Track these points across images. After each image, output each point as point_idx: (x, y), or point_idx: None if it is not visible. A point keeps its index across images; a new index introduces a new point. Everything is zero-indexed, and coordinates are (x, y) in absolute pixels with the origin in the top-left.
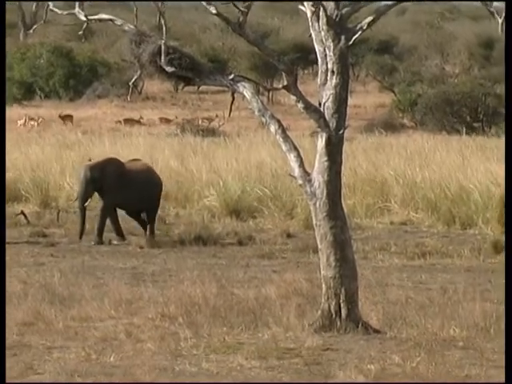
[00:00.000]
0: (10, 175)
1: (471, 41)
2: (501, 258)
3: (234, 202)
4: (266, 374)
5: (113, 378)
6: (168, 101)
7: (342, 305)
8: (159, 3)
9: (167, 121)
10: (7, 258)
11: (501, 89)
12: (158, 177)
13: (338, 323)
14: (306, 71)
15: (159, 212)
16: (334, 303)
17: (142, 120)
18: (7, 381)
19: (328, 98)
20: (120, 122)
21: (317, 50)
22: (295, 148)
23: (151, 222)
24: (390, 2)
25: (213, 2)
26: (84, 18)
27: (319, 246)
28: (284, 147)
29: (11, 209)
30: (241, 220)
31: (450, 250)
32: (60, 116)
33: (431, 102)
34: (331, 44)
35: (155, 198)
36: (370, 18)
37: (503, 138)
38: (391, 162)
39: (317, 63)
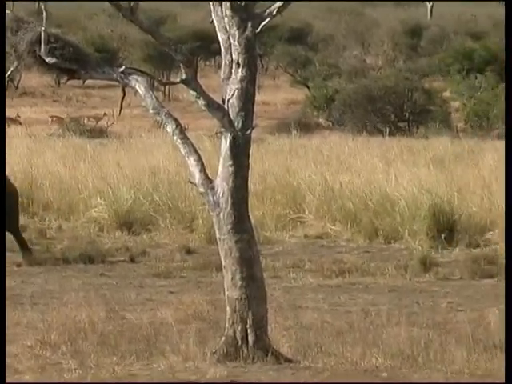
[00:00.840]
0: None
1: (396, 29)
2: (430, 277)
3: (125, 212)
4: None
5: None
6: (49, 96)
7: (249, 330)
8: None
9: (59, 119)
10: None
11: (429, 83)
12: (11, 185)
13: (245, 351)
14: (207, 63)
15: (38, 224)
16: (239, 328)
17: (19, 118)
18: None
19: (233, 94)
20: None
21: (220, 38)
22: (195, 151)
23: (17, 236)
24: None
25: None
26: None
27: (223, 263)
28: (182, 150)
29: None
30: (133, 234)
31: (372, 267)
32: None
33: (350, 99)
34: (236, 32)
35: (10, 210)
36: (279, 3)
37: (432, 140)
38: (305, 167)
39: (220, 54)
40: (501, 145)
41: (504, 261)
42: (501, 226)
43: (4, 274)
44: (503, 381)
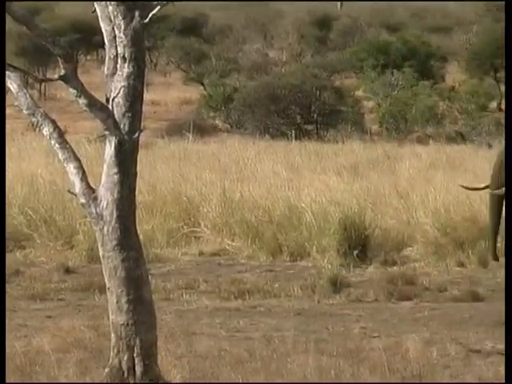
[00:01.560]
0: None
1: (302, 19)
2: (340, 299)
3: None
4: None
5: None
6: None
7: (136, 360)
8: None
9: None
10: None
11: (340, 80)
12: None
13: (132, 383)
14: (88, 57)
15: None
16: (126, 357)
17: None
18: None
19: (118, 93)
20: None
21: (103, 30)
22: (75, 157)
23: None
24: None
25: None
26: None
27: (107, 284)
28: (61, 156)
29: None
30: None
31: (276, 287)
32: None
33: (251, 98)
34: (122, 22)
35: None
36: None
37: (343, 144)
38: (201, 176)
39: (103, 47)
40: (421, 150)
41: (425, 283)
42: (420, 241)
43: (4, 274)
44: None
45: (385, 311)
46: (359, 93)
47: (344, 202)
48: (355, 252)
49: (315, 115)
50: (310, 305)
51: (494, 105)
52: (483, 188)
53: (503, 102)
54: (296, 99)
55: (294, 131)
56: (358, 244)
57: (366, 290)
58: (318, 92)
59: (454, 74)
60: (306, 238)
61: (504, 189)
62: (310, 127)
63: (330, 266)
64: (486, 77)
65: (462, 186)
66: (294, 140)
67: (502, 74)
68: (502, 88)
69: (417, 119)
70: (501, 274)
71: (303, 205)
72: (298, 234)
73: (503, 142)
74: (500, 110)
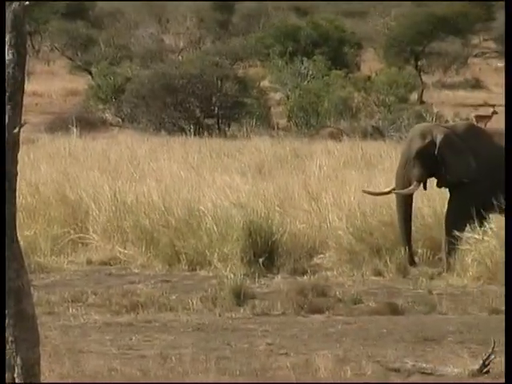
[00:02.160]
0: None
1: (201, 1)
2: (245, 312)
3: None
4: None
5: None
6: None
7: (17, 380)
8: None
9: None
10: None
11: (244, 69)
12: None
13: None
14: None
15: None
16: (6, 378)
17: None
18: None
19: None
20: None
21: None
22: None
23: None
24: None
25: None
26: None
27: None
28: None
29: None
30: None
31: (173, 300)
32: None
33: (144, 89)
34: None
35: None
36: None
37: (248, 140)
38: (89, 176)
39: None
40: (334, 146)
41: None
42: (333, 247)
43: (4, 274)
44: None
45: (294, 325)
46: (265, 83)
47: (249, 204)
48: (261, 260)
49: (216, 108)
50: (211, 319)
51: (414, 97)
52: (389, 192)
53: (425, 93)
54: (195, 90)
55: (192, 126)
56: (265, 251)
57: (272, 302)
58: (219, 82)
59: (371, 63)
60: (207, 244)
61: (412, 187)
62: (210, 121)
63: (232, 276)
64: (406, 65)
65: (365, 192)
66: (193, 136)
67: (423, 62)
68: (424, 78)
69: (329, 113)
70: (422, 284)
71: (203, 208)
72: (198, 240)
73: (409, 136)
74: (422, 102)
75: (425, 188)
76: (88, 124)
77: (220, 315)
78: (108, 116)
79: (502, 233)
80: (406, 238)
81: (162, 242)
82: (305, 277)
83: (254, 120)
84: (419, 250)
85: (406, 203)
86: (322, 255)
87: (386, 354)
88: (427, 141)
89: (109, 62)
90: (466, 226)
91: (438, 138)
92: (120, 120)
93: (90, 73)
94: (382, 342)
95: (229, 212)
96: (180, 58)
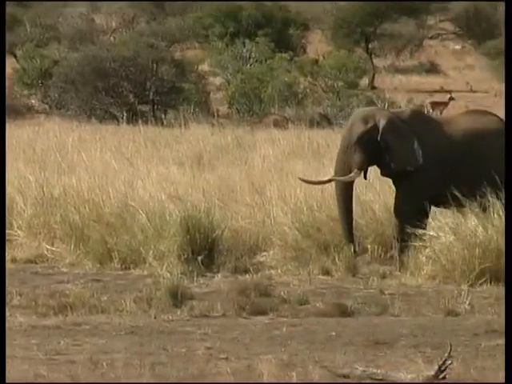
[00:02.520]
0: None
1: None
2: (182, 314)
3: None
4: None
5: None
6: None
7: None
8: None
9: None
10: None
11: (182, 52)
12: None
13: None
14: None
15: None
16: None
17: None
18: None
19: None
20: None
21: None
22: None
23: None
24: None
25: None
26: None
27: None
28: None
29: None
30: None
31: (105, 301)
32: None
33: (74, 73)
34: None
35: None
36: None
37: (186, 129)
38: (13, 167)
39: None
40: (278, 135)
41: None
42: (277, 244)
43: (4, 275)
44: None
45: (235, 328)
46: (204, 67)
47: (187, 198)
48: (200, 258)
49: (151, 94)
50: (146, 321)
51: (365, 82)
52: (328, 180)
53: (376, 77)
54: (128, 74)
55: (125, 113)
56: (204, 248)
57: (212, 303)
58: (154, 66)
59: (318, 45)
60: (141, 241)
61: (352, 174)
62: (145, 108)
63: (169, 275)
64: (356, 48)
65: (302, 180)
66: (126, 123)
67: (374, 45)
68: (375, 61)
69: (273, 99)
70: (373, 283)
71: (138, 202)
72: (132, 236)
73: (351, 120)
74: (373, 87)
75: (365, 177)
76: (13, 111)
77: (155, 317)
78: (34, 102)
79: (460, 228)
80: (347, 228)
81: (93, 238)
82: (247, 276)
83: (193, 107)
84: (369, 247)
85: (346, 192)
86: (265, 253)
87: (334, 358)
88: (369, 125)
89: (35, 44)
90: (416, 219)
91: (381, 123)
92: (47, 106)
93: (15, 55)
94: (330, 346)
95: (165, 206)
96: (112, 39)
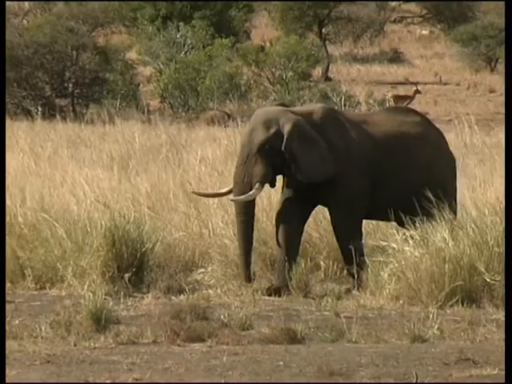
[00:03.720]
0: None
1: None
2: (106, 340)
3: None
4: None
5: None
6: None
7: None
8: None
9: None
10: None
11: (106, 37)
12: None
13: None
14: None
15: None
16: None
17: None
18: None
19: None
20: None
21: None
22: None
23: None
24: None
25: None
26: None
27: None
28: None
29: None
30: None
31: (17, 325)
32: None
33: None
34: None
35: None
36: None
37: (111, 126)
38: None
39: None
40: (218, 133)
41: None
42: (217, 259)
43: (4, 276)
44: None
45: (167, 357)
46: (132, 55)
47: (113, 206)
48: (127, 276)
49: (71, 86)
50: (64, 349)
51: (318, 72)
52: (227, 193)
53: (331, 67)
54: (44, 63)
55: (41, 107)
56: (132, 265)
57: (141, 329)
58: (74, 53)
59: (264, 30)
60: (59, 256)
61: (253, 192)
62: (63, 102)
63: (91, 296)
64: (308, 33)
65: (195, 193)
66: (42, 120)
67: (329, 30)
68: (330, 49)
69: (212, 92)
70: (328, 305)
71: (55, 210)
72: (48, 250)
73: (250, 125)
74: (327, 78)
75: (273, 186)
76: None
77: (75, 344)
78: None
79: (428, 241)
80: (245, 249)
81: (6, 252)
82: (182, 296)
83: (119, 100)
84: (322, 263)
85: (246, 209)
86: (203, 269)
87: None
88: (272, 131)
89: None
90: (356, 232)
91: (286, 128)
92: None
93: None
94: (277, 377)
95: (88, 216)
96: (25, 22)
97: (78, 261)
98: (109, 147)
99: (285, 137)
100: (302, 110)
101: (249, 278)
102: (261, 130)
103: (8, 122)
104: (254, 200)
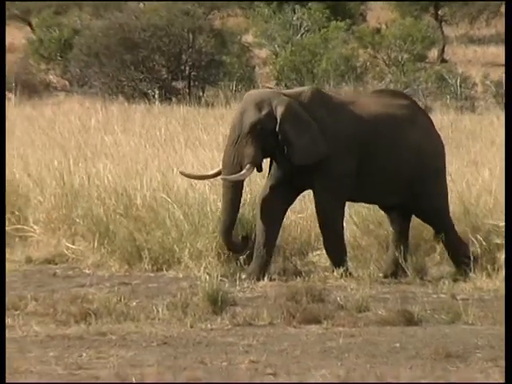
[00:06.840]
0: None
1: None
2: (223, 322)
3: None
4: None
5: None
6: None
7: None
8: None
9: None
10: None
11: (222, 20)
12: None
13: None
14: None
15: None
16: None
17: None
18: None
19: None
20: None
21: None
22: None
23: None
24: None
25: None
26: None
27: None
28: None
29: None
30: None
31: (134, 307)
32: None
33: (97, 45)
34: None
35: None
36: None
37: (226, 108)
38: (28, 153)
39: None
40: None
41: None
42: None
43: (4, 275)
44: None
45: (283, 339)
46: (248, 37)
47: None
48: (243, 258)
49: (187, 68)
50: (181, 331)
51: (434, 54)
52: (215, 175)
53: (447, 49)
54: (160, 46)
55: (157, 90)
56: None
57: (257, 310)
58: (190, 36)
59: (379, 12)
60: (176, 238)
61: (244, 172)
62: (180, 85)
63: (207, 278)
64: (424, 15)
65: (183, 174)
66: (159, 103)
67: (445, 11)
68: (446, 30)
69: (328, 74)
70: (444, 287)
71: (171, 193)
72: (165, 233)
73: (242, 106)
74: (443, 60)
75: (259, 170)
76: (28, 88)
77: (192, 326)
78: (52, 78)
79: None
80: (226, 229)
81: (120, 235)
82: (298, 278)
83: (235, 83)
84: (437, 246)
85: (234, 190)
86: (318, 251)
87: (398, 374)
88: (264, 112)
89: (53, 11)
90: (339, 217)
91: (279, 110)
92: (67, 83)
93: (30, 24)
94: (393, 359)
95: (205, 197)
96: (141, 5)
97: (194, 243)
98: (225, 130)
99: (278, 118)
100: (291, 92)
101: (234, 251)
102: (253, 111)
103: (125, 105)
104: (243, 182)
